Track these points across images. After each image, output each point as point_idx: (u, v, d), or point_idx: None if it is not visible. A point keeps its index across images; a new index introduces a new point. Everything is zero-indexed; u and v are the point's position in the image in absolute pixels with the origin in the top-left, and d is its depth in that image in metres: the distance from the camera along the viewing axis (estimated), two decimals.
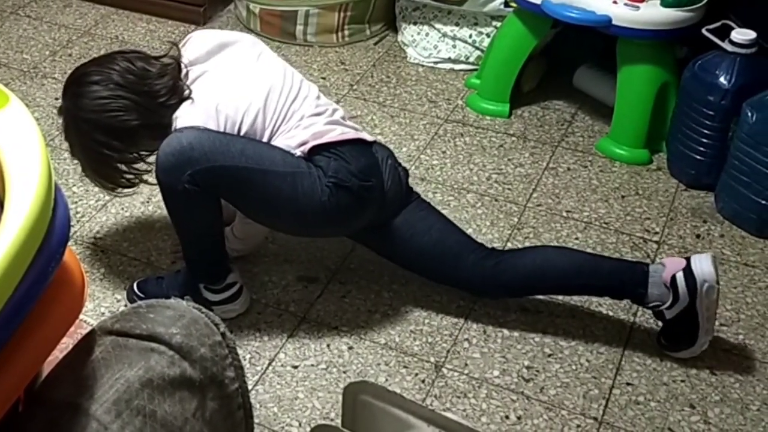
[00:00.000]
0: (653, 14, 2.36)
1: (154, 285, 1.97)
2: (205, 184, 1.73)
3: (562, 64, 2.81)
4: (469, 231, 2.22)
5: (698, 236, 2.23)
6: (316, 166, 1.79)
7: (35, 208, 1.00)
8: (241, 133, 1.79)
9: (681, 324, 1.81)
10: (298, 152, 1.80)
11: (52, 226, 1.06)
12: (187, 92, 1.81)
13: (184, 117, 1.78)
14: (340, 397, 1.73)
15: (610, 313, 1.98)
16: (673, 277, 1.77)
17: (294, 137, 1.81)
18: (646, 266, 1.83)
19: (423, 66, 2.92)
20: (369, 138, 1.89)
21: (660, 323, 1.88)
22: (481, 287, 1.93)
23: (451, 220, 1.97)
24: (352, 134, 1.84)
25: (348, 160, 1.80)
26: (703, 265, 1.76)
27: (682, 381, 1.84)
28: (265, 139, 1.81)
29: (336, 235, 2.05)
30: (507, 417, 1.76)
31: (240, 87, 1.81)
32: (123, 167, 1.89)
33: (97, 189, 2.33)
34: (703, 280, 1.75)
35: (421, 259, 1.92)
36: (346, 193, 1.79)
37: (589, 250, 2.16)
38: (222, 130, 1.76)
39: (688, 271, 1.77)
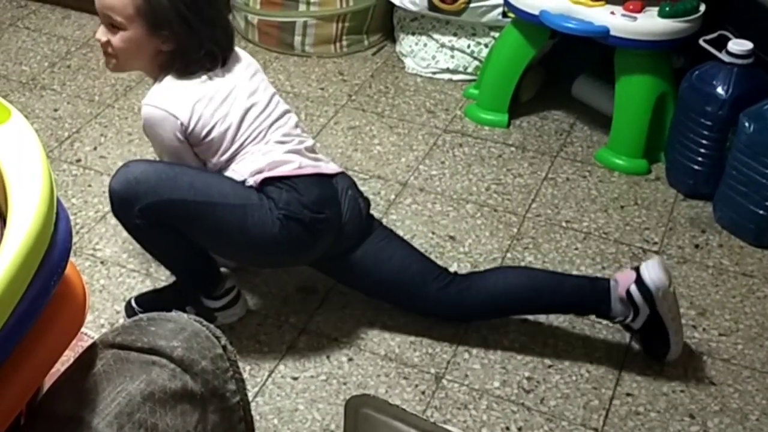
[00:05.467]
0: (650, 25, 2.36)
1: (153, 298, 1.98)
2: (156, 218, 1.74)
3: (561, 74, 2.82)
4: (468, 242, 2.22)
5: (697, 246, 2.23)
6: (268, 198, 1.77)
7: (37, 224, 1.01)
8: (209, 138, 1.78)
9: (650, 331, 1.84)
10: (250, 181, 1.78)
11: (54, 241, 1.06)
12: (188, 69, 1.80)
13: (158, 93, 1.79)
14: (340, 409, 1.74)
15: (610, 324, 1.98)
16: (628, 292, 1.80)
17: (252, 162, 1.79)
18: (607, 282, 1.84)
19: (421, 76, 2.93)
20: (331, 171, 1.86)
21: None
22: (447, 314, 1.94)
23: (415, 246, 1.95)
24: (309, 169, 1.82)
25: (301, 192, 1.78)
26: (652, 273, 1.78)
27: (682, 391, 1.84)
28: (230, 153, 1.80)
29: (293, 265, 2.04)
30: (508, 428, 1.76)
31: (225, 96, 1.81)
32: None
33: (96, 200, 2.35)
34: (656, 288, 1.77)
35: (384, 289, 1.92)
36: (297, 225, 1.77)
37: (588, 261, 2.17)
38: (191, 127, 1.77)
39: (639, 282, 1.79)
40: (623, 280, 1.82)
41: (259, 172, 1.78)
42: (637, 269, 1.81)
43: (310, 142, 1.90)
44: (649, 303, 1.79)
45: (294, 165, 1.81)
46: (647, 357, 1.90)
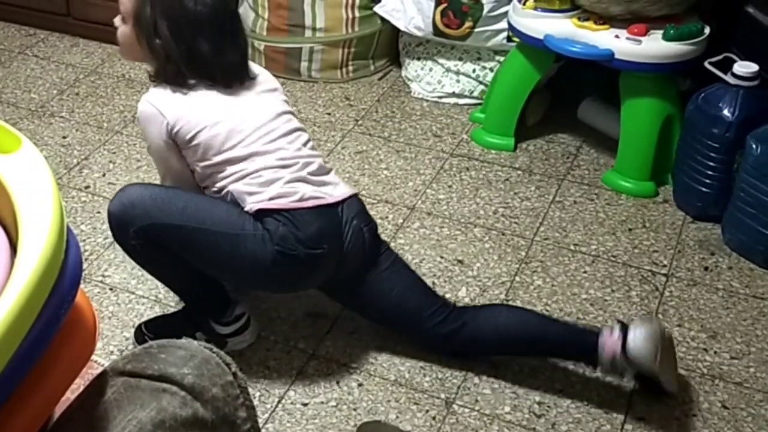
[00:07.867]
0: (655, 48, 2.37)
1: (163, 324, 1.97)
2: (150, 240, 1.76)
3: (566, 97, 2.83)
4: (477, 266, 2.22)
5: (706, 268, 2.22)
6: (265, 228, 1.75)
7: (48, 252, 1.00)
8: (195, 141, 1.78)
9: (641, 378, 1.83)
10: (247, 206, 1.76)
11: (65, 269, 1.06)
12: (184, 82, 1.81)
13: (157, 92, 1.83)
14: None
15: None
16: (614, 359, 1.77)
17: (252, 191, 1.77)
18: (596, 338, 1.79)
19: (427, 101, 2.94)
20: (336, 198, 1.81)
21: None
22: (441, 350, 1.94)
23: (418, 274, 1.94)
24: (311, 202, 1.77)
25: (298, 226, 1.74)
26: (638, 345, 1.74)
27: (694, 415, 1.82)
28: (219, 162, 1.79)
29: (290, 292, 2.05)
30: None
31: (220, 105, 1.81)
32: None
33: (105, 227, 2.35)
34: (640, 363, 1.75)
35: (383, 318, 1.94)
36: (291, 261, 1.75)
37: (597, 284, 2.16)
38: (176, 128, 1.78)
39: (624, 353, 1.75)
40: (609, 346, 1.77)
41: (259, 201, 1.76)
42: (624, 336, 1.76)
43: (316, 164, 1.84)
44: (635, 369, 1.78)
45: (295, 197, 1.77)
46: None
